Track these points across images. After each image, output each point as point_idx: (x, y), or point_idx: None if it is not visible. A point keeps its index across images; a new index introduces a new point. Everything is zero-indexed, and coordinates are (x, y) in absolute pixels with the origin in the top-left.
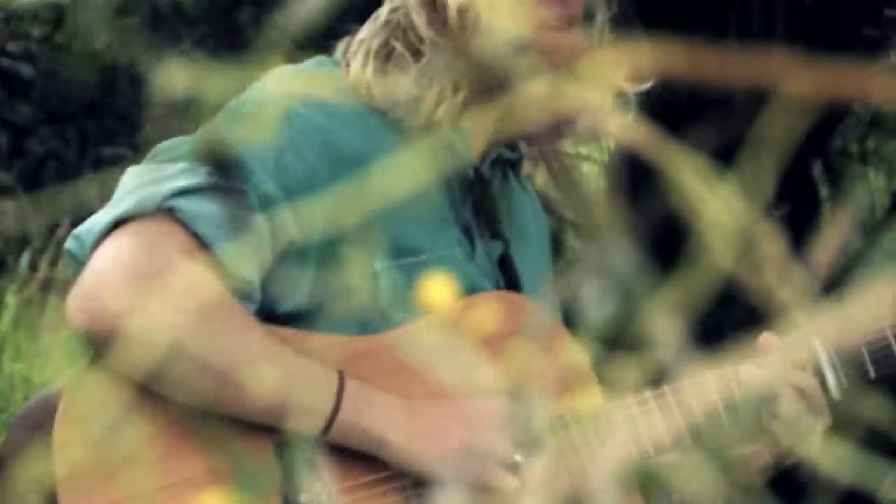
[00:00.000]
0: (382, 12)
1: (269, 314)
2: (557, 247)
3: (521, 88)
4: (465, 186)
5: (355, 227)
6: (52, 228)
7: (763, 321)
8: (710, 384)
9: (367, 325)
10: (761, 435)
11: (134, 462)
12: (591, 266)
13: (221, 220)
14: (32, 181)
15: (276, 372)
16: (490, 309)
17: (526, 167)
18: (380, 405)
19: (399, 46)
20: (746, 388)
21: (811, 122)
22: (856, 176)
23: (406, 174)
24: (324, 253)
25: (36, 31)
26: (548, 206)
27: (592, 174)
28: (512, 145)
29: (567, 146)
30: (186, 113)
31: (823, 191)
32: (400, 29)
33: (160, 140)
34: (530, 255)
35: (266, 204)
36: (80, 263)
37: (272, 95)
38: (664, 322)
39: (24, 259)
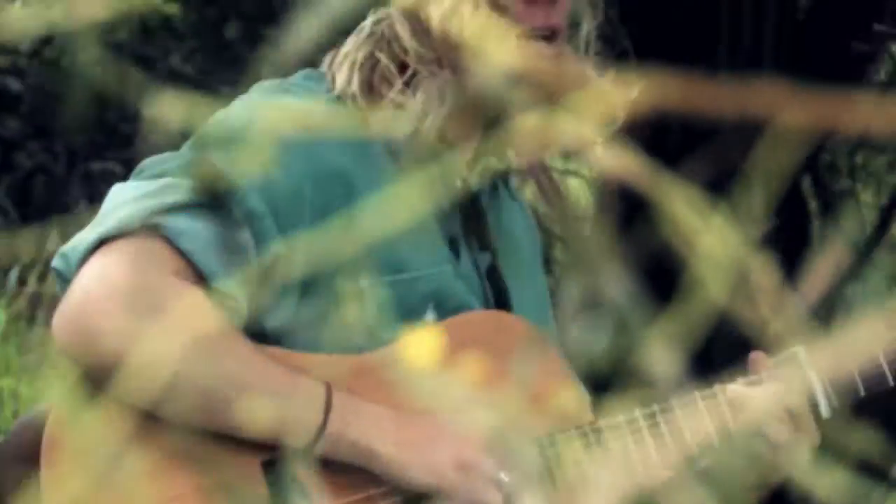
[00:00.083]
0: (366, 25)
1: (256, 331)
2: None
3: (513, 120)
4: (451, 193)
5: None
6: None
7: (752, 349)
8: (703, 412)
9: (353, 342)
10: (759, 463)
11: (122, 481)
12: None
13: (207, 237)
14: (21, 195)
15: (262, 386)
16: (476, 328)
17: (516, 179)
18: (368, 416)
19: (384, 58)
20: (741, 417)
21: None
22: (844, 191)
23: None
24: (309, 262)
25: (24, 46)
26: (536, 220)
27: (579, 190)
28: (501, 155)
29: (554, 161)
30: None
31: (812, 206)
32: (384, 41)
33: (151, 154)
34: (520, 267)
35: (251, 220)
36: (66, 281)
37: (264, 123)
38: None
39: (13, 274)
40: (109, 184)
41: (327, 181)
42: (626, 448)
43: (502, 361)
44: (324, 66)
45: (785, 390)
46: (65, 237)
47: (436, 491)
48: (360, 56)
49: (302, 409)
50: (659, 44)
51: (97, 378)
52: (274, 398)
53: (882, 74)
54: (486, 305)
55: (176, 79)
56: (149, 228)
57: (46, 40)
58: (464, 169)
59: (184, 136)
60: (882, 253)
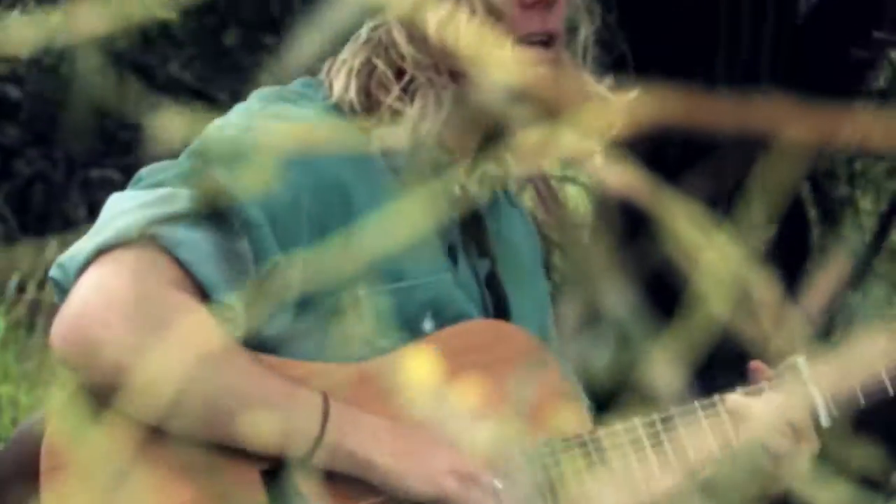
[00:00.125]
0: (363, 31)
1: (254, 339)
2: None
3: (513, 131)
4: (451, 204)
5: (340, 254)
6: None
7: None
8: (702, 421)
9: (352, 351)
10: (760, 475)
11: (121, 491)
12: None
13: (206, 247)
14: (20, 203)
15: (260, 397)
16: (475, 337)
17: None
18: (365, 427)
19: (381, 65)
20: (742, 427)
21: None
22: (844, 198)
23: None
24: (308, 278)
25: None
26: (536, 227)
27: (578, 197)
28: (500, 160)
29: (552, 168)
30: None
31: (811, 213)
32: (381, 47)
33: (150, 162)
34: (519, 274)
35: (250, 230)
36: (64, 291)
37: (266, 138)
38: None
39: (12, 281)
40: (108, 191)
41: (325, 192)
42: (625, 457)
43: (501, 371)
44: (321, 73)
45: (785, 400)
46: (64, 245)
47: (433, 501)
48: (358, 63)
49: (299, 419)
50: (657, 49)
51: (96, 388)
52: (271, 409)
53: (881, 81)
54: (485, 313)
55: (175, 86)
56: (147, 238)
57: (45, 48)
58: (462, 176)
59: (184, 145)
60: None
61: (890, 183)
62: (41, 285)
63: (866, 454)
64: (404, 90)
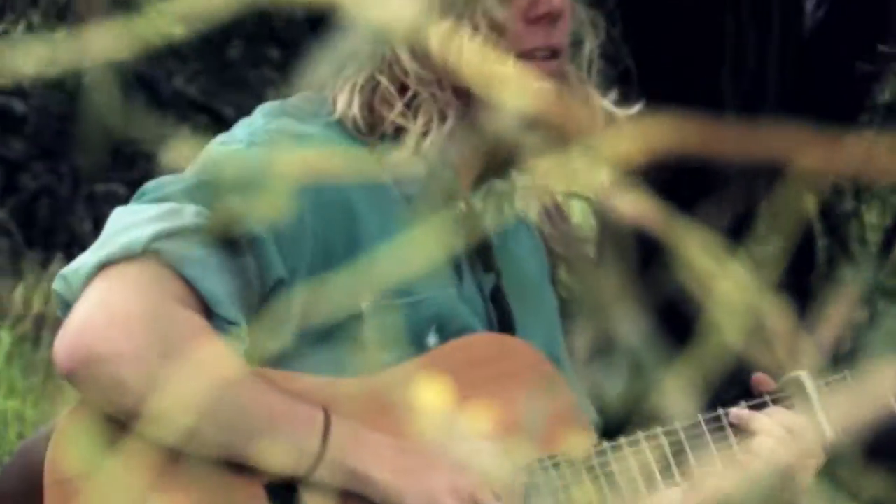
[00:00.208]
0: (367, 48)
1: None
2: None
3: (522, 154)
4: (455, 219)
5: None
6: (45, 264)
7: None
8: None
9: (353, 366)
10: (769, 493)
11: None
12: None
13: (210, 263)
14: (25, 217)
15: (261, 412)
16: (479, 351)
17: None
18: (366, 443)
19: (384, 81)
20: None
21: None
22: (849, 212)
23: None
24: (311, 293)
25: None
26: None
27: (582, 211)
28: (504, 176)
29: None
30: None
31: (817, 227)
32: (385, 63)
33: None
34: (525, 288)
35: (254, 246)
36: (67, 303)
37: (280, 167)
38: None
39: (18, 295)
40: (113, 205)
41: (328, 208)
42: (629, 473)
43: (505, 386)
44: (325, 89)
45: (788, 413)
46: (69, 259)
47: None
48: (361, 79)
49: (300, 436)
50: (662, 63)
51: (99, 403)
52: (273, 425)
53: (887, 95)
54: (490, 327)
55: (179, 100)
56: (151, 253)
57: (59, 69)
58: (466, 189)
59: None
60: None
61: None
62: (47, 299)
63: (879, 483)
64: (407, 106)
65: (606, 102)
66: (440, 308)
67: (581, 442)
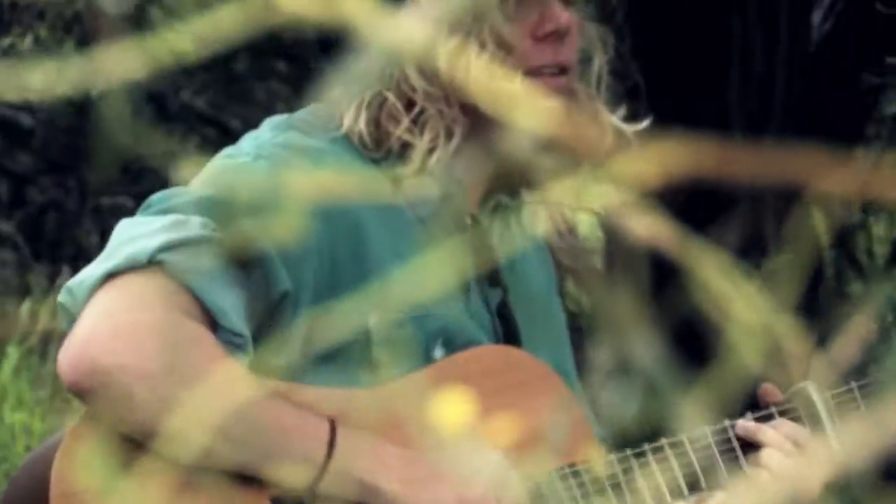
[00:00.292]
0: (374, 63)
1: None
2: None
3: (538, 181)
4: (463, 234)
5: (349, 279)
6: (52, 278)
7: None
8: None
9: (359, 378)
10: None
11: None
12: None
13: (214, 274)
14: (32, 230)
15: (266, 423)
16: (484, 363)
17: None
18: (372, 453)
19: (391, 97)
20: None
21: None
22: (857, 224)
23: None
24: (317, 304)
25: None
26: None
27: (589, 224)
28: (512, 191)
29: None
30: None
31: (823, 239)
32: (392, 79)
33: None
34: (532, 303)
35: (259, 257)
36: (72, 316)
37: (293, 189)
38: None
39: (25, 309)
40: (121, 218)
41: (335, 222)
42: (632, 485)
43: (512, 396)
44: (332, 103)
45: (794, 425)
46: (76, 272)
47: None
48: (369, 94)
49: (305, 445)
50: (670, 78)
51: (105, 415)
52: (280, 438)
53: (894, 107)
54: (496, 342)
55: (187, 113)
56: (157, 264)
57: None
58: (473, 204)
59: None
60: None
61: None
62: (54, 313)
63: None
64: (414, 122)
65: (615, 119)
66: (447, 322)
67: (594, 453)
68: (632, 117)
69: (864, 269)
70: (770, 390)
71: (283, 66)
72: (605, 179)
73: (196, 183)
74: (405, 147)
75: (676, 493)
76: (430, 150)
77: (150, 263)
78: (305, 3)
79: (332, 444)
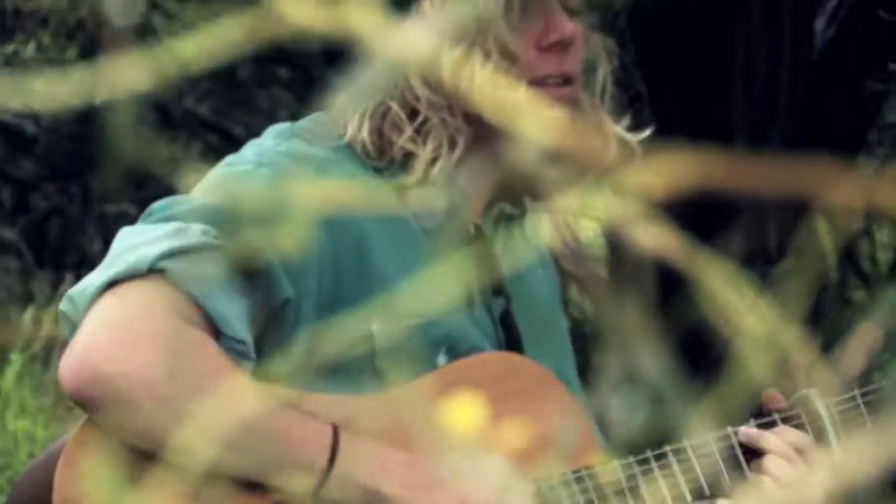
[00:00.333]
0: (378, 72)
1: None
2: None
3: (543, 192)
4: (465, 243)
5: (352, 288)
6: (55, 285)
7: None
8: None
9: (362, 385)
10: None
11: None
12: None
13: (215, 281)
14: (36, 237)
15: (268, 428)
16: (486, 369)
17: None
18: (375, 458)
19: (395, 106)
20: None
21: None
22: (860, 231)
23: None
24: (319, 313)
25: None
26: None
27: (591, 231)
28: (515, 200)
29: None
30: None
31: (828, 247)
32: (396, 88)
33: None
34: (535, 312)
35: (261, 264)
36: (74, 325)
37: (298, 199)
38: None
39: (28, 316)
40: (124, 225)
41: (338, 230)
42: (636, 491)
43: (515, 402)
44: (335, 111)
45: (797, 433)
46: (80, 279)
47: None
48: (372, 103)
49: (308, 451)
50: (673, 87)
51: (106, 423)
52: (284, 445)
53: None
54: (499, 350)
55: (190, 119)
56: (157, 272)
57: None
58: (476, 214)
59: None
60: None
61: None
62: (57, 320)
63: None
64: (417, 132)
65: (619, 129)
66: (450, 330)
67: (598, 459)
68: (635, 127)
69: (867, 276)
70: (773, 397)
71: (286, 73)
72: (613, 190)
73: (198, 191)
74: (408, 156)
75: (680, 500)
76: (433, 160)
77: (151, 271)
78: (311, 15)
79: (334, 450)
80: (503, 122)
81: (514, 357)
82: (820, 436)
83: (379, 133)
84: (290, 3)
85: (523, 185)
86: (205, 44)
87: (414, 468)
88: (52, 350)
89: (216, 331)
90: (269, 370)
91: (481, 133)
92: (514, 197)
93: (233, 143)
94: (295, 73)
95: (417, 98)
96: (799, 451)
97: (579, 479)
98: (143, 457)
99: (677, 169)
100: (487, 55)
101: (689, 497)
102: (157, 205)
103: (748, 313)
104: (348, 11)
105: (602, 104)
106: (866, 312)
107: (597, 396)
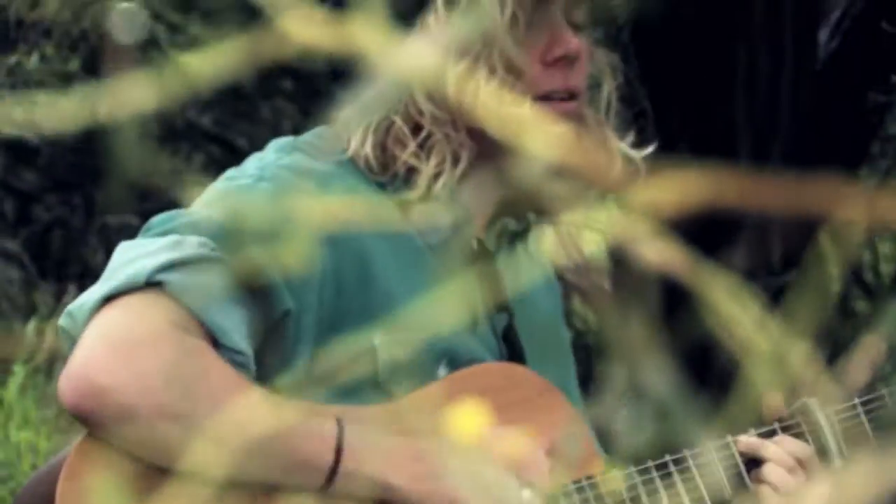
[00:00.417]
0: (382, 86)
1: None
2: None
3: (548, 207)
4: (468, 259)
5: (354, 302)
6: (58, 296)
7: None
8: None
9: (364, 399)
10: None
11: None
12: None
13: (214, 292)
14: (38, 248)
15: (280, 435)
16: (487, 379)
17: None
18: (381, 450)
19: (398, 120)
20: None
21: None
22: (863, 243)
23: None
24: (321, 327)
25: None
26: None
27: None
28: (518, 215)
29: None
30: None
31: (832, 260)
32: (399, 103)
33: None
34: (537, 327)
35: (262, 277)
36: (73, 339)
37: (302, 216)
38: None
39: (31, 327)
40: (127, 237)
41: (339, 243)
42: (640, 499)
43: (514, 412)
44: (339, 125)
45: (797, 442)
46: (83, 290)
47: None
48: (376, 118)
49: (314, 447)
50: (677, 99)
51: (107, 436)
52: (285, 438)
53: None
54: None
55: (192, 131)
56: (155, 284)
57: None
58: (479, 229)
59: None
60: None
61: None
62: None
63: None
64: (420, 146)
65: (624, 145)
66: (451, 343)
67: (598, 469)
68: (639, 142)
69: (870, 288)
70: (774, 405)
71: (290, 84)
72: (618, 206)
73: (198, 205)
74: (411, 172)
75: None
76: (436, 175)
77: (149, 284)
78: (316, 33)
79: (340, 445)
80: (507, 137)
81: (515, 367)
82: (820, 445)
83: (382, 148)
84: (295, 22)
85: (527, 201)
86: (210, 61)
87: (420, 459)
88: (55, 361)
89: (215, 342)
90: (271, 383)
91: (485, 148)
92: (517, 212)
93: (236, 155)
94: (299, 85)
95: (421, 113)
96: (799, 460)
97: (580, 490)
98: (146, 468)
99: (684, 186)
100: (492, 70)
101: None
102: (156, 219)
103: (752, 327)
104: (353, 28)
105: (607, 120)
106: (870, 324)
107: (601, 408)
